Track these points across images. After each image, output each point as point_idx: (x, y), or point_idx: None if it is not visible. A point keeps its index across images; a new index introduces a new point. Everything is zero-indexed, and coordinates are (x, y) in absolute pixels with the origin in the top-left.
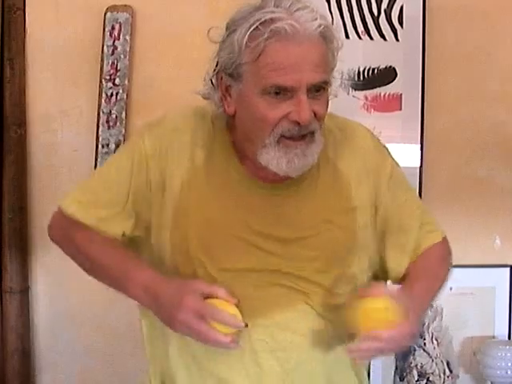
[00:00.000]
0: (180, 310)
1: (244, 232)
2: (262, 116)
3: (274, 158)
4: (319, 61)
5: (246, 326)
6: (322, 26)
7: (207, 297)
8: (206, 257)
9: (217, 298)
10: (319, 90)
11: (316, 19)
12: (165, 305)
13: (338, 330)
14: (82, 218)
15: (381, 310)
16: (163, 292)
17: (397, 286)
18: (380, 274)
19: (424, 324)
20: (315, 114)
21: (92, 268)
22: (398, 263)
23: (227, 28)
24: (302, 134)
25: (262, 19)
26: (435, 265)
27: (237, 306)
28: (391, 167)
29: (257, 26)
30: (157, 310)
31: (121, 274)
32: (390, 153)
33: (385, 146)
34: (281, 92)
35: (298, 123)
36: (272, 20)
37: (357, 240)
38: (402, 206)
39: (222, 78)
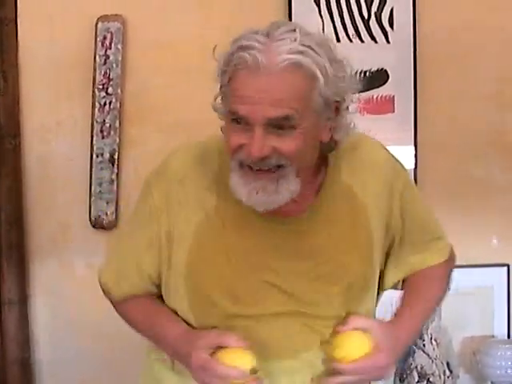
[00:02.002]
0: (192, 369)
1: (268, 274)
2: (228, 140)
3: (236, 186)
4: (282, 96)
5: (255, 371)
6: (288, 61)
7: (220, 347)
8: (233, 306)
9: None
10: (282, 126)
11: (290, 52)
12: (184, 363)
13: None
14: (116, 294)
15: (352, 345)
16: (180, 351)
17: (379, 318)
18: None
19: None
20: (277, 150)
21: (137, 329)
22: (389, 277)
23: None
24: (265, 168)
25: (239, 44)
26: (433, 288)
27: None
28: (404, 182)
29: (233, 52)
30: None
31: (156, 337)
32: (402, 165)
33: (398, 161)
34: (241, 122)
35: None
36: (243, 47)
37: (372, 278)
38: (411, 223)
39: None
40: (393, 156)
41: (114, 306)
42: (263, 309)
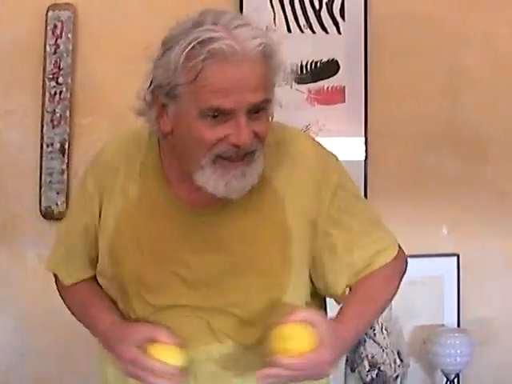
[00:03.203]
0: (121, 360)
1: (175, 265)
2: (199, 137)
3: (210, 180)
4: (259, 80)
5: (183, 367)
6: (263, 45)
7: (149, 342)
8: (142, 292)
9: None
10: (259, 110)
11: (256, 37)
12: (114, 354)
13: (260, 359)
14: (60, 277)
15: (294, 338)
16: (110, 343)
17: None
18: (321, 289)
19: None
20: (256, 134)
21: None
22: (337, 283)
23: (163, 44)
24: (243, 154)
25: (200, 38)
26: (377, 290)
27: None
28: (337, 179)
29: (194, 46)
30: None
31: (89, 326)
32: (336, 162)
33: (330, 155)
34: (219, 115)
35: (238, 146)
36: (210, 40)
37: (292, 267)
38: (348, 222)
39: (157, 97)
40: (326, 154)
41: (59, 292)
42: (171, 299)
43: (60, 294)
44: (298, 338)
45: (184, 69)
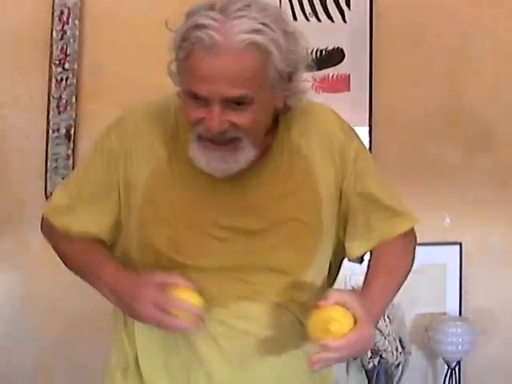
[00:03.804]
0: (140, 303)
1: (212, 228)
2: (186, 114)
3: (195, 155)
4: (240, 75)
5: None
6: (248, 41)
7: (167, 286)
8: (176, 255)
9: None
10: (241, 103)
11: (247, 32)
12: (126, 300)
13: (293, 325)
14: (58, 224)
15: (334, 321)
16: (124, 288)
17: (352, 289)
18: (339, 252)
19: None
20: (235, 124)
21: (72, 268)
22: (358, 247)
23: (184, 16)
24: (223, 140)
25: (195, 23)
26: (397, 260)
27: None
28: (357, 149)
29: (188, 29)
30: (122, 306)
31: (91, 274)
32: (357, 135)
33: (352, 129)
34: (198, 98)
35: (210, 130)
36: (200, 26)
37: (322, 233)
38: (368, 189)
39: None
40: (347, 125)
41: (54, 240)
42: (203, 261)
43: (52, 242)
44: (338, 321)
45: (181, 48)
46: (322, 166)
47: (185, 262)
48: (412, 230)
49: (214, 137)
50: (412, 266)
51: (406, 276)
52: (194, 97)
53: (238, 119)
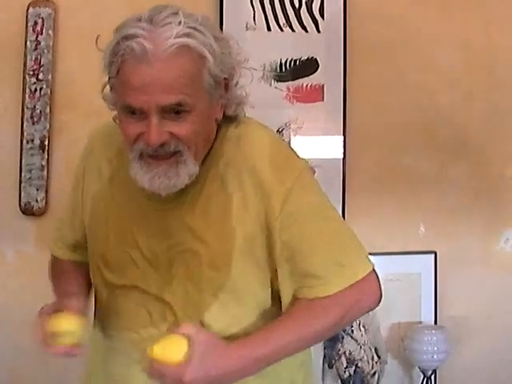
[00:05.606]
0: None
1: (130, 247)
2: (124, 132)
3: (138, 174)
4: (174, 81)
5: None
6: (176, 45)
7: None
8: (107, 272)
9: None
10: (179, 111)
11: (177, 36)
12: None
13: None
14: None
15: (169, 349)
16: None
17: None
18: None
19: None
20: (174, 136)
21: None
22: (287, 296)
23: (113, 35)
24: (164, 154)
25: (123, 34)
26: (314, 318)
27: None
28: (288, 190)
29: (118, 41)
30: None
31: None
32: (297, 167)
33: (290, 159)
34: (135, 112)
35: (149, 144)
36: (130, 36)
37: (231, 264)
38: (293, 241)
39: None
40: (282, 156)
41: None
42: (125, 279)
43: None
44: (171, 350)
45: (112, 64)
46: (243, 206)
47: (111, 280)
48: (340, 292)
49: (154, 151)
50: (339, 324)
51: (322, 336)
52: (130, 112)
53: (177, 130)
